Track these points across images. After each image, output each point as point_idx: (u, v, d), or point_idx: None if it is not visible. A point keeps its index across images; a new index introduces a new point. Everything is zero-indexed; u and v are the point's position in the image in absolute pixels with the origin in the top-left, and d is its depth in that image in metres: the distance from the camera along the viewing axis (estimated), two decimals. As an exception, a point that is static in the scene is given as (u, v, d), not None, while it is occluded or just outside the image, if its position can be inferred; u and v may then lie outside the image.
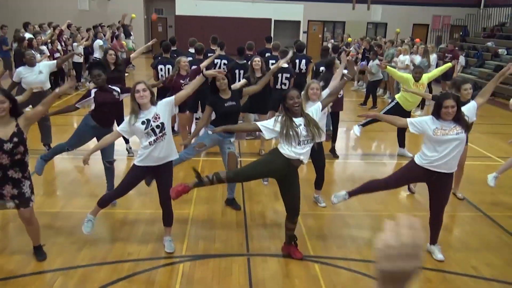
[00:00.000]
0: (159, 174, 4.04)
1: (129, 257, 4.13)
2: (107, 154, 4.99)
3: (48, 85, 6.68)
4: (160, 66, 7.74)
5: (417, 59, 11.13)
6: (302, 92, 4.90)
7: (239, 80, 7.67)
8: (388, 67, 7.26)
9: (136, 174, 4.04)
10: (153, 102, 3.92)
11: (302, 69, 8.70)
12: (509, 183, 6.27)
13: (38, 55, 9.99)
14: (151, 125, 3.84)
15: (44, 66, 6.59)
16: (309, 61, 8.81)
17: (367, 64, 11.47)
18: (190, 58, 8.39)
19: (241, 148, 7.51)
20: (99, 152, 4.96)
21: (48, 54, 10.26)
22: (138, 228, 4.66)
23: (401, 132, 7.18)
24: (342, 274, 4.01)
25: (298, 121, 3.80)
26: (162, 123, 3.86)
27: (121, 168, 5.99)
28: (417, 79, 6.85)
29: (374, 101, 10.88)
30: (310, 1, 22.59)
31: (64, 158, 6.79)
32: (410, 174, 4.15)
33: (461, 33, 21.44)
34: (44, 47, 10.31)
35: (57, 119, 7.81)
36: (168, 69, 7.71)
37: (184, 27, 22.54)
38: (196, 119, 8.90)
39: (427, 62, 10.56)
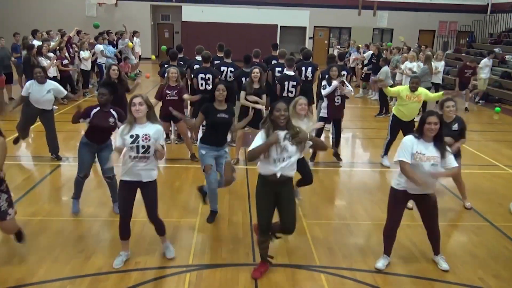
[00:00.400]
0: (143, 191, 4.05)
1: (136, 266, 4.16)
2: (105, 170, 5.02)
3: (51, 106, 6.73)
4: (166, 74, 7.78)
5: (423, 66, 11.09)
6: (290, 107, 4.95)
7: (245, 88, 7.73)
8: (388, 88, 7.21)
9: (122, 191, 4.03)
10: (149, 117, 3.91)
11: (308, 77, 8.74)
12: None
13: (48, 61, 10.13)
14: (138, 142, 3.84)
15: (54, 88, 6.59)
16: (315, 69, 8.84)
17: (375, 75, 11.53)
18: (197, 66, 8.47)
19: (244, 156, 7.52)
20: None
21: (56, 58, 10.36)
22: (145, 237, 4.69)
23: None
24: (348, 285, 4.01)
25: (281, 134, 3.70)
26: (149, 146, 3.87)
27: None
28: (413, 89, 6.71)
29: (386, 108, 10.81)
30: (316, 7, 22.65)
31: (71, 165, 6.85)
32: (397, 202, 4.10)
33: (467, 39, 21.38)
34: (51, 54, 10.41)
35: (64, 126, 7.90)
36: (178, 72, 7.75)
37: (191, 33, 22.67)
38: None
39: (428, 69, 10.42)
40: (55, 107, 9.70)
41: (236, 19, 22.55)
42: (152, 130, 3.89)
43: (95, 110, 4.84)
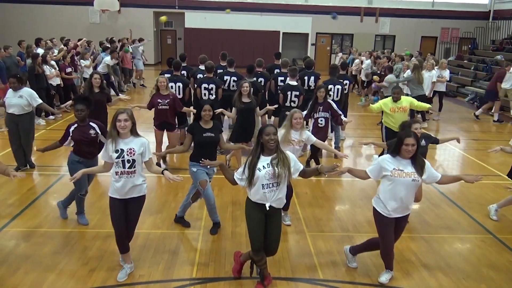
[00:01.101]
0: (129, 206, 4.07)
1: (140, 279, 4.18)
2: (82, 187, 5.07)
3: (22, 112, 6.71)
4: (170, 84, 7.81)
5: (425, 74, 11.11)
6: (285, 122, 5.08)
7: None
8: (371, 105, 7.26)
9: (113, 206, 4.05)
10: (133, 132, 3.94)
11: (310, 86, 8.78)
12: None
13: (53, 70, 10.20)
14: (123, 157, 3.87)
15: (28, 94, 6.68)
16: (318, 78, 8.89)
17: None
18: (201, 75, 8.53)
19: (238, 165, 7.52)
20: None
21: (57, 73, 10.40)
22: (149, 249, 4.71)
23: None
24: (352, 299, 4.02)
25: (267, 160, 3.72)
26: (134, 160, 3.90)
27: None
28: (395, 99, 6.77)
29: None
30: (318, 13, 22.72)
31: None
32: (384, 225, 4.09)
33: (470, 46, 21.41)
34: (53, 62, 10.46)
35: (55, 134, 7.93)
36: (179, 87, 7.81)
37: (193, 39, 22.77)
38: None
39: (413, 77, 10.26)
40: (42, 121, 9.78)
41: (238, 25, 22.65)
42: (137, 144, 3.94)
43: (73, 127, 4.87)
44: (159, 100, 6.79)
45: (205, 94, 7.79)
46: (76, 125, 4.89)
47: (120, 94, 13.05)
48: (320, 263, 4.56)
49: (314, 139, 5.29)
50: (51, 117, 10.27)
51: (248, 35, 22.87)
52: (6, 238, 4.83)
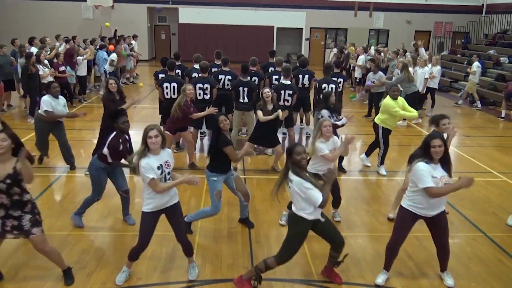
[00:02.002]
0: (170, 214, 4.16)
1: (138, 282, 4.25)
2: (120, 183, 5.19)
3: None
4: (165, 84, 7.87)
5: (419, 71, 11.19)
6: (314, 130, 5.14)
7: (243, 98, 7.84)
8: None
9: (149, 222, 4.09)
10: (162, 146, 4.00)
11: (305, 84, 8.85)
12: (510, 202, 6.36)
13: (46, 69, 10.18)
14: (164, 171, 3.93)
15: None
16: (312, 76, 8.95)
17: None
18: (195, 74, 8.56)
19: (245, 165, 7.62)
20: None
21: (52, 71, 10.39)
22: (147, 251, 4.72)
23: (375, 145, 7.39)
24: (346, 299, 4.12)
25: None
26: (170, 171, 4.02)
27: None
28: (394, 97, 6.86)
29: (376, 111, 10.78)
30: (312, 8, 22.73)
31: (72, 176, 6.93)
32: (404, 221, 4.20)
33: (463, 40, 21.51)
34: (47, 62, 10.44)
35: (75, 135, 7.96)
36: (174, 87, 7.83)
37: (187, 34, 22.73)
38: (201, 133, 9.04)
39: (403, 77, 10.31)
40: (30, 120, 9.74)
41: (232, 20, 22.61)
42: (169, 157, 4.04)
43: (112, 136, 4.93)
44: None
45: (199, 94, 7.82)
46: (114, 133, 4.94)
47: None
48: (314, 263, 4.65)
49: (339, 143, 5.23)
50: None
51: (242, 30, 22.85)
52: (5, 242, 4.81)
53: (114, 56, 12.81)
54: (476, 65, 13.31)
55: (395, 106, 6.78)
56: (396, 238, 4.25)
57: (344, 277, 4.43)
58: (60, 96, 6.75)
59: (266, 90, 6.77)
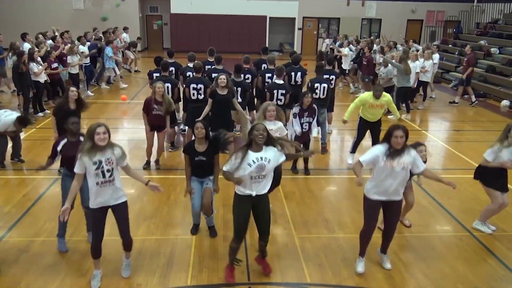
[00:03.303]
0: (114, 211, 4.29)
1: (137, 288, 4.41)
2: (86, 199, 4.95)
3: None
4: (159, 84, 7.92)
5: (410, 65, 11.29)
6: (259, 113, 5.55)
7: (237, 98, 7.92)
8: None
9: (95, 216, 4.24)
10: (110, 143, 4.09)
11: (297, 81, 8.94)
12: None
13: (40, 66, 10.17)
14: (102, 167, 4.04)
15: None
16: (305, 74, 9.04)
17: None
18: (190, 73, 8.62)
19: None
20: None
21: (46, 66, 10.39)
22: (145, 256, 4.92)
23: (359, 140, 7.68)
24: (337, 302, 4.31)
25: (256, 155, 4.11)
26: (113, 169, 4.10)
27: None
28: (377, 96, 7.10)
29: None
30: (304, -3, 22.69)
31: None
32: (370, 208, 4.52)
33: (454, 30, 21.60)
34: (40, 59, 10.41)
35: (44, 133, 8.01)
36: (168, 87, 7.90)
37: (180, 25, 22.61)
38: (182, 131, 9.05)
39: (402, 68, 10.47)
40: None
41: (225, 10, 22.52)
42: (114, 154, 4.11)
43: (62, 143, 4.77)
44: (155, 106, 6.92)
45: (193, 94, 7.90)
46: (65, 140, 4.80)
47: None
48: (307, 266, 4.82)
49: (285, 131, 5.66)
50: (40, 114, 10.30)
51: (235, 20, 22.77)
52: (5, 250, 4.98)
53: (109, 51, 12.85)
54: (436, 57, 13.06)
55: (367, 100, 7.14)
56: (367, 226, 4.60)
57: (336, 279, 4.61)
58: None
59: (222, 76, 7.10)
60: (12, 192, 6.41)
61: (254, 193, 4.20)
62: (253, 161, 4.09)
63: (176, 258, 4.92)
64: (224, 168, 4.20)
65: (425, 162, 5.22)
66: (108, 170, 4.06)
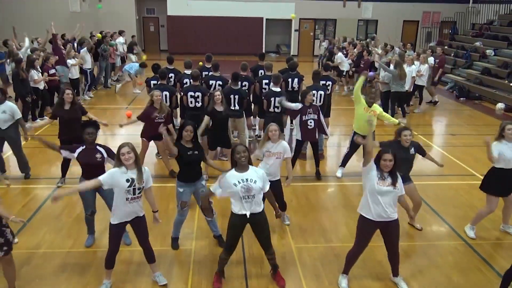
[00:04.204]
0: (135, 225, 4.49)
1: (138, 300, 4.47)
2: (109, 202, 5.17)
3: (5, 126, 6.90)
4: (157, 93, 7.97)
5: (406, 69, 11.36)
6: (263, 135, 5.60)
7: (234, 106, 7.99)
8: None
9: (115, 232, 4.41)
10: (137, 163, 4.25)
11: (294, 88, 9.02)
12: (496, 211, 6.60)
13: (40, 74, 10.21)
14: (134, 185, 4.21)
15: (10, 108, 6.86)
16: (301, 80, 9.13)
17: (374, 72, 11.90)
18: (187, 80, 8.68)
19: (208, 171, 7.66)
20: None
21: (44, 77, 10.40)
22: (145, 268, 4.97)
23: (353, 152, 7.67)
24: (334, 313, 4.39)
25: (241, 176, 4.27)
26: (142, 188, 4.30)
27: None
28: (370, 104, 7.17)
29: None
30: (301, -1, 22.75)
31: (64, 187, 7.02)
32: (364, 229, 4.53)
33: (450, 31, 21.72)
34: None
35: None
36: (165, 95, 7.96)
37: (176, 27, 22.64)
38: None
39: (396, 73, 10.56)
40: (30, 125, 9.83)
41: (222, 12, 22.55)
42: (144, 174, 4.29)
43: (80, 149, 5.05)
44: (156, 115, 6.94)
45: (191, 102, 7.96)
46: (83, 147, 5.05)
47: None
48: (305, 276, 4.90)
49: (290, 154, 5.64)
50: (38, 120, 10.34)
51: (232, 22, 22.81)
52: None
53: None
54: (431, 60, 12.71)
55: (363, 103, 7.17)
56: (358, 247, 4.64)
57: (333, 290, 4.70)
58: (7, 103, 6.86)
59: (217, 93, 7.04)
60: (12, 202, 6.45)
61: (248, 213, 4.33)
62: (238, 181, 4.24)
63: (175, 270, 4.99)
64: (211, 188, 4.42)
65: (411, 146, 5.50)
66: (138, 188, 4.26)
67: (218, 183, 4.39)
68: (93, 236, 5.47)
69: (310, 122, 7.20)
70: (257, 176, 4.33)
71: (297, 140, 7.42)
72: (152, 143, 7.49)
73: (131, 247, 5.35)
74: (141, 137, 7.30)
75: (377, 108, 7.24)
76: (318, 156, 7.63)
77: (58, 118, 6.77)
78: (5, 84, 11.87)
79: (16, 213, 6.06)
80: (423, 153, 5.85)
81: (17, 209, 6.24)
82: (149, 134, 7.16)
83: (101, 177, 4.24)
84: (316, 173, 7.61)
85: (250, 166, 4.41)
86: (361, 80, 7.37)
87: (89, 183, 4.35)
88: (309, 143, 7.70)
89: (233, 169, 4.36)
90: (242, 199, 4.27)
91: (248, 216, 4.33)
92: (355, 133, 7.39)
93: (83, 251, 5.31)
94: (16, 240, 5.09)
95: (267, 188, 4.49)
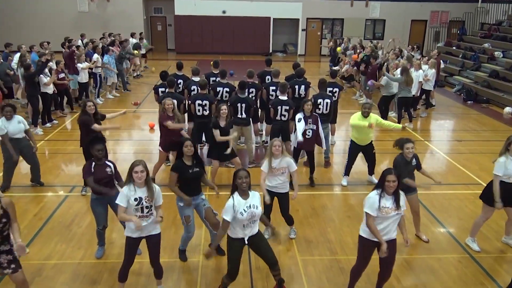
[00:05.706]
0: (149, 241, 4.58)
1: (147, 314, 4.58)
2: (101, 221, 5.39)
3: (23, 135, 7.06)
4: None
5: (413, 74, 11.33)
6: (267, 151, 5.63)
7: (241, 114, 8.06)
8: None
9: (131, 244, 4.52)
10: (148, 182, 4.34)
11: (301, 94, 9.06)
12: (499, 222, 6.62)
13: (48, 78, 10.35)
14: (142, 204, 4.32)
15: (21, 120, 7.04)
16: (308, 87, 9.16)
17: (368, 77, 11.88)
18: (194, 87, 8.74)
19: (222, 181, 7.72)
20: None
21: (55, 78, 10.55)
22: (154, 280, 5.07)
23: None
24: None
25: (246, 203, 4.35)
26: (152, 206, 4.39)
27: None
28: (365, 114, 7.18)
29: (385, 117, 10.69)
30: (308, -2, 22.69)
31: (78, 197, 7.15)
32: (365, 249, 4.58)
33: (458, 31, 21.55)
34: (47, 70, 10.57)
35: (53, 146, 8.17)
36: (173, 104, 8.02)
37: (184, 26, 22.69)
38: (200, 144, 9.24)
39: (402, 80, 10.52)
40: (40, 131, 9.95)
41: (229, 12, 22.58)
42: (154, 192, 4.38)
43: (92, 166, 5.15)
44: (171, 121, 7.00)
45: (199, 110, 8.05)
46: (93, 163, 5.16)
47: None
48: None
49: (294, 168, 5.68)
50: (48, 124, 10.49)
51: (239, 22, 22.82)
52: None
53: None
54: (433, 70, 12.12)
55: (359, 122, 7.15)
56: (360, 264, 4.68)
57: (337, 304, 4.77)
58: (15, 116, 6.94)
59: (223, 107, 7.03)
60: (24, 211, 6.56)
61: (246, 238, 4.46)
62: (244, 210, 4.32)
63: (183, 282, 5.09)
64: (223, 216, 4.36)
65: (413, 158, 5.54)
66: (147, 207, 4.36)
67: (225, 212, 4.36)
68: (103, 247, 5.59)
69: (309, 132, 7.26)
70: (257, 201, 4.43)
71: (293, 148, 7.51)
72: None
73: (141, 258, 5.43)
74: (161, 147, 7.36)
75: (373, 118, 7.26)
76: (313, 163, 7.66)
77: (79, 126, 6.87)
78: (14, 84, 12.02)
79: (27, 223, 6.26)
80: (419, 167, 5.83)
81: (29, 219, 6.37)
82: (167, 143, 7.19)
83: (120, 202, 4.31)
84: (310, 180, 7.68)
85: (248, 191, 4.44)
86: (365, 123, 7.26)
87: (126, 216, 4.36)
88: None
89: (238, 195, 4.39)
90: (244, 226, 4.39)
91: (246, 241, 4.46)
92: (352, 141, 7.49)
93: (93, 262, 5.42)
94: (27, 250, 5.21)
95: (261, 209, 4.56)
